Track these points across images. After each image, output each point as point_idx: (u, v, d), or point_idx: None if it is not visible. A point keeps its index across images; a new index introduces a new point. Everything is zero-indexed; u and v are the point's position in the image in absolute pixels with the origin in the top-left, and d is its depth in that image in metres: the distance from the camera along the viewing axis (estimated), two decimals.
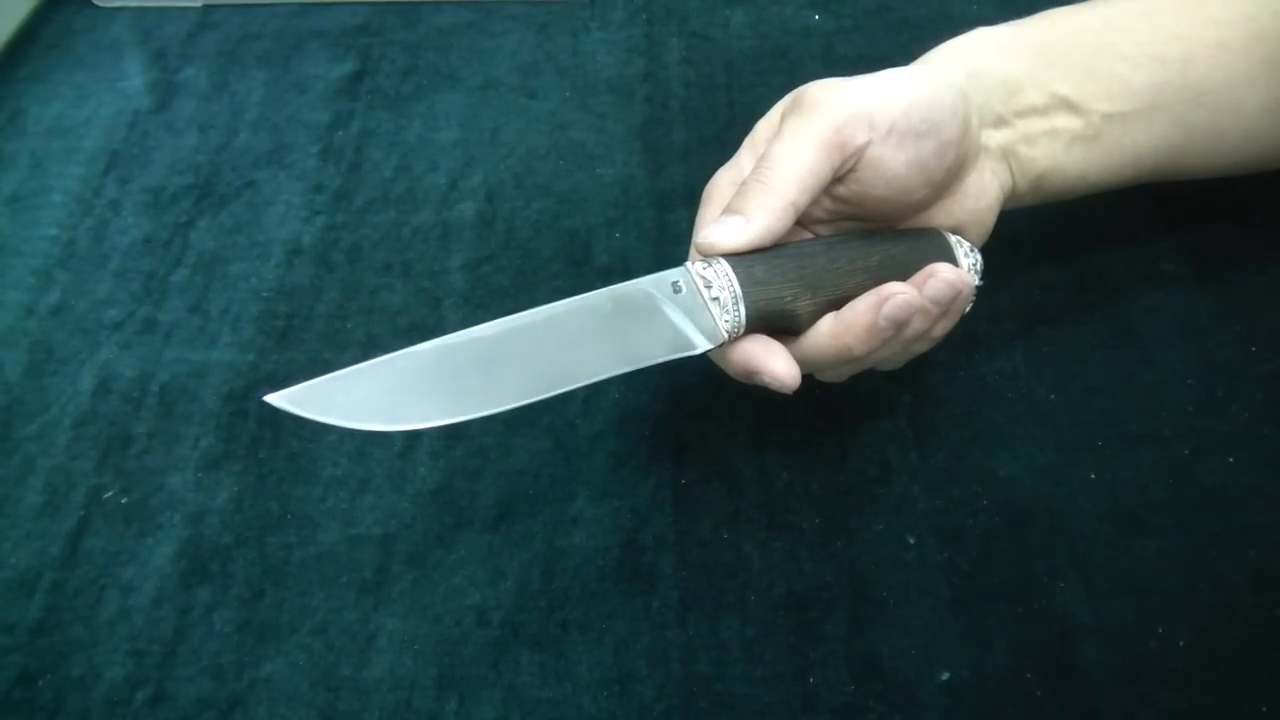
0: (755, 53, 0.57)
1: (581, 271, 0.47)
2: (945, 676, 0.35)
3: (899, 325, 0.34)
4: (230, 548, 0.38)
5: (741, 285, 0.33)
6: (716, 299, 0.33)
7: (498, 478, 0.40)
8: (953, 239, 0.37)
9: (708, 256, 0.35)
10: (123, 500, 0.40)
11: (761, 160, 0.35)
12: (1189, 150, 0.40)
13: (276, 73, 0.57)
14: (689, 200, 0.49)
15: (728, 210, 0.35)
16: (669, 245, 0.48)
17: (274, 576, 0.38)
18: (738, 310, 0.33)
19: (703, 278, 0.34)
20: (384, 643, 0.36)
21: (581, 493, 0.40)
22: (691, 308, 0.34)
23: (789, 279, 0.34)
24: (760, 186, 0.34)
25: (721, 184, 0.37)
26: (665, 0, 0.60)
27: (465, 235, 0.49)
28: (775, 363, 0.34)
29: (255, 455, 0.41)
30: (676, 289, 0.34)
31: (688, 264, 0.34)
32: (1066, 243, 0.46)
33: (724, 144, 0.52)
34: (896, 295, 0.33)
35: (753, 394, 0.37)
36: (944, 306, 0.34)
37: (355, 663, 0.36)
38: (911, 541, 0.38)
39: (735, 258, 0.34)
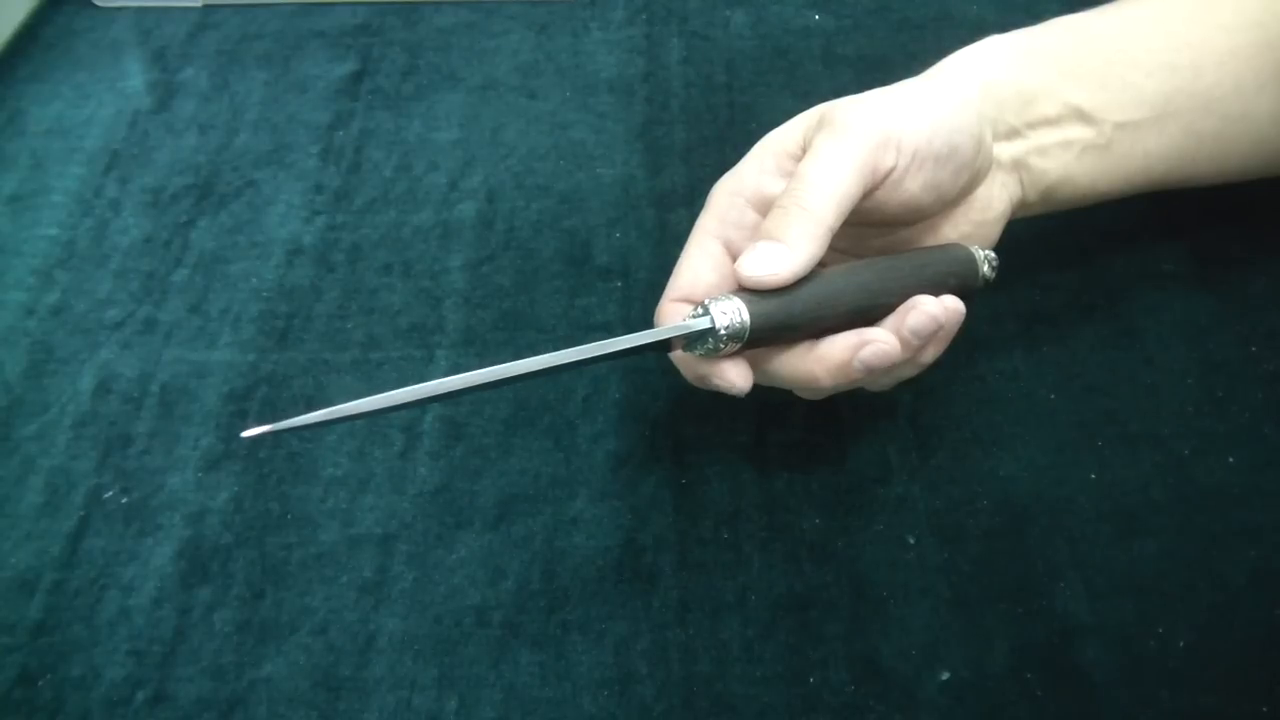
0: (755, 53, 0.57)
1: (581, 271, 0.47)
2: (945, 676, 0.35)
3: (872, 371, 0.33)
4: (230, 548, 0.39)
5: (744, 343, 0.32)
6: (711, 344, 0.32)
7: (498, 478, 0.40)
8: (976, 250, 0.37)
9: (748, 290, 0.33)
10: (123, 500, 0.40)
11: (796, 180, 0.34)
12: (1199, 158, 0.40)
13: (276, 73, 0.57)
14: (689, 200, 0.49)
15: (766, 236, 0.33)
16: (669, 245, 0.48)
17: (274, 576, 0.38)
18: (720, 349, 0.33)
19: (726, 328, 0.32)
20: (384, 643, 0.36)
21: (581, 493, 0.40)
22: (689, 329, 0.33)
23: (795, 333, 0.33)
24: (800, 212, 0.33)
25: (722, 193, 0.36)
26: (665, 0, 0.60)
27: (465, 235, 0.49)
28: (729, 370, 0.33)
29: (255, 455, 0.41)
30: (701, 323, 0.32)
31: (713, 309, 0.32)
32: (1066, 243, 0.46)
33: (724, 144, 0.52)
34: (876, 343, 0.33)
35: (753, 394, 0.37)
36: (925, 339, 0.34)
37: (355, 663, 0.36)
38: (911, 541, 0.38)
39: (758, 310, 0.32)
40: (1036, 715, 0.34)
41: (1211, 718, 0.34)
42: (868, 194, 0.34)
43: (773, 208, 0.34)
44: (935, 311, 0.33)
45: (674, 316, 0.35)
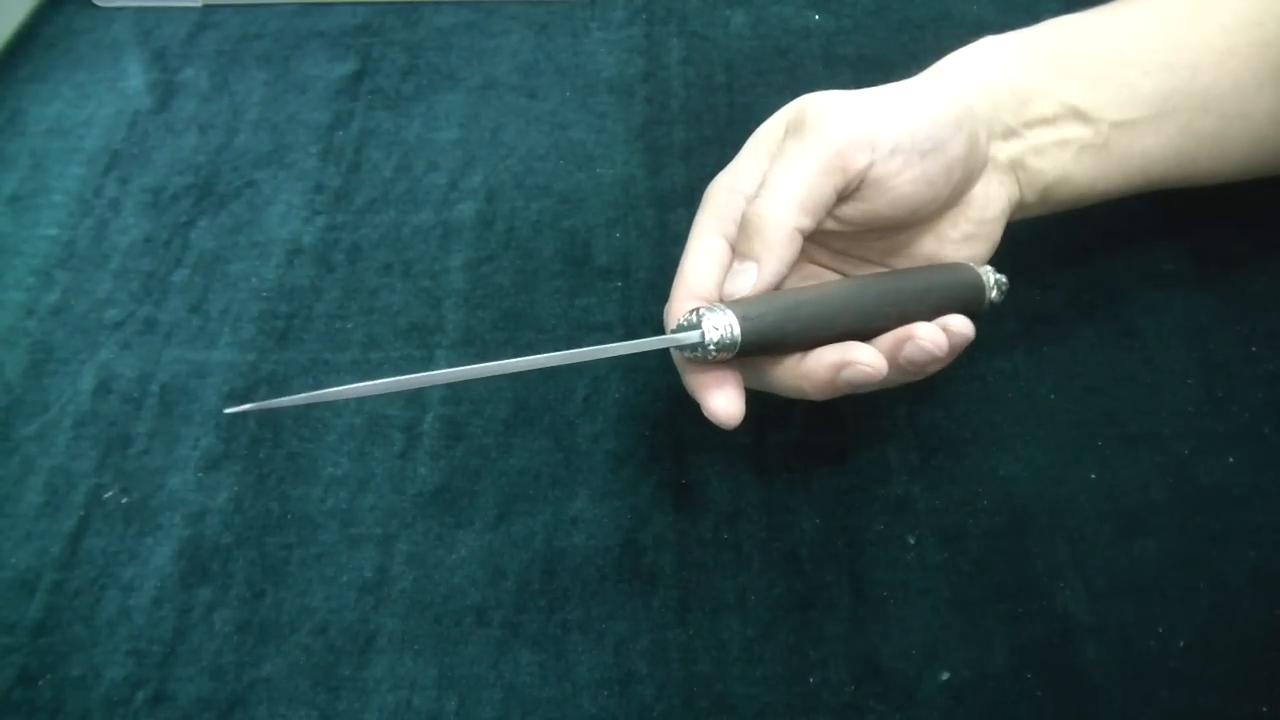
0: (755, 53, 0.57)
1: (581, 271, 0.47)
2: (945, 676, 0.35)
3: (858, 389, 0.33)
4: (230, 548, 0.39)
5: (738, 350, 0.32)
6: (701, 353, 0.32)
7: (498, 478, 0.40)
8: (985, 274, 0.37)
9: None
10: (123, 500, 0.40)
11: (761, 187, 0.34)
12: (1198, 157, 0.40)
13: (276, 73, 0.57)
14: (689, 200, 0.49)
15: (739, 255, 0.34)
16: (669, 245, 0.48)
17: (274, 576, 0.38)
18: (709, 358, 0.33)
19: (716, 344, 0.32)
20: (384, 643, 0.36)
21: (581, 493, 0.40)
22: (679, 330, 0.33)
23: (788, 349, 0.33)
24: (760, 220, 0.33)
25: (719, 189, 0.37)
26: (665, 0, 0.60)
27: (465, 235, 0.49)
28: (717, 400, 0.33)
29: (255, 455, 0.41)
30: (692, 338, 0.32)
31: (705, 323, 0.32)
32: (1066, 242, 0.46)
33: (724, 144, 0.52)
34: (858, 365, 0.32)
35: (753, 394, 0.37)
36: (919, 367, 0.33)
37: (355, 663, 0.36)
38: (911, 541, 0.38)
39: (737, 305, 0.33)
40: (1036, 715, 0.34)
41: (1211, 718, 0.34)
42: (846, 194, 0.34)
43: (741, 219, 0.34)
44: (929, 347, 0.32)
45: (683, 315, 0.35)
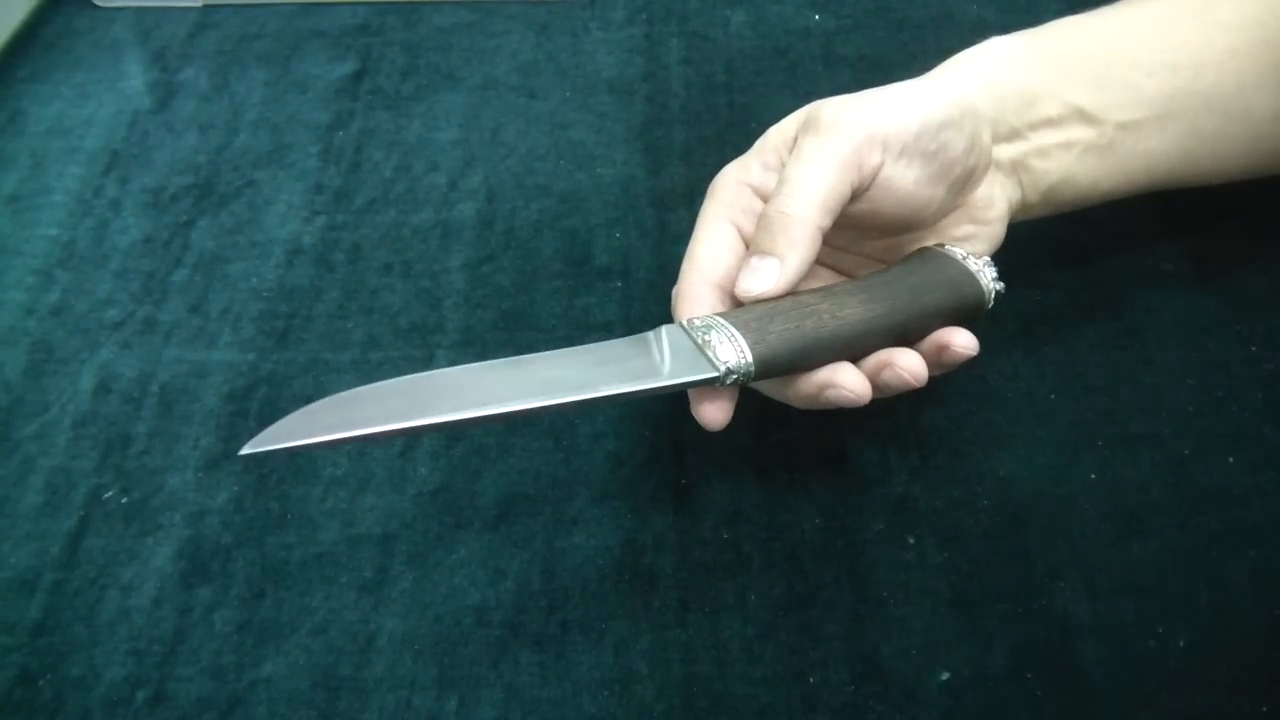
0: (755, 53, 0.57)
1: (581, 271, 0.47)
2: (945, 676, 0.35)
3: (838, 407, 0.34)
4: (230, 548, 0.38)
5: (753, 377, 0.33)
6: (721, 375, 0.32)
7: (498, 478, 0.40)
8: (989, 291, 0.37)
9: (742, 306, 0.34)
10: (123, 500, 0.40)
11: (781, 184, 0.34)
12: (1200, 156, 0.40)
13: (276, 73, 0.57)
14: (689, 200, 0.49)
15: (758, 251, 0.34)
16: (669, 245, 0.48)
17: (274, 576, 0.38)
18: (725, 378, 0.33)
19: (728, 382, 0.33)
20: (384, 643, 0.36)
21: (581, 493, 0.40)
22: (694, 355, 0.33)
23: (797, 363, 0.34)
24: (784, 218, 0.33)
25: (728, 181, 0.37)
26: (665, 0, 0.60)
27: (465, 235, 0.49)
28: (707, 405, 0.34)
29: (255, 455, 0.41)
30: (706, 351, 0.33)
31: (724, 360, 0.32)
32: (1066, 242, 0.46)
33: (724, 144, 0.52)
34: (840, 388, 0.33)
35: (753, 394, 0.37)
36: (896, 391, 0.34)
37: (355, 663, 0.36)
38: (911, 541, 0.38)
39: (758, 344, 0.33)
40: (1036, 715, 0.34)
41: (1211, 718, 0.34)
42: (858, 193, 0.35)
43: (760, 216, 0.34)
44: (907, 378, 0.33)
45: (694, 300, 0.35)
